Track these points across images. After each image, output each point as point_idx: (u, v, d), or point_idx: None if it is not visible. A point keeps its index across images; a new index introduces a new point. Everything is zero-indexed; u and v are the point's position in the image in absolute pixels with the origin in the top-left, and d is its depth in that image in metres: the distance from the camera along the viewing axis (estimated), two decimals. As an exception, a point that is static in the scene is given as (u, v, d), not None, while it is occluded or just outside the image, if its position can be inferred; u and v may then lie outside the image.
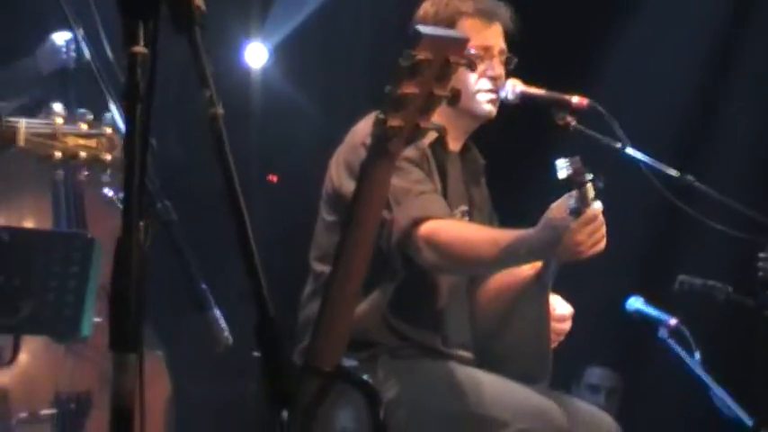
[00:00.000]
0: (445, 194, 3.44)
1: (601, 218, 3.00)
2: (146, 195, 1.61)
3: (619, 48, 5.95)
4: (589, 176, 2.93)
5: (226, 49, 5.97)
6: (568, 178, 2.92)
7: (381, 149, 2.38)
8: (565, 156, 2.93)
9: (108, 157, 2.67)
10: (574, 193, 2.95)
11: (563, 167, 2.93)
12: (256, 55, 6.17)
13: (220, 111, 1.44)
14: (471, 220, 3.53)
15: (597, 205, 2.97)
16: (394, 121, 2.34)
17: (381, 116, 2.36)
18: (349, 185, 3.26)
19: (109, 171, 2.68)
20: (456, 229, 3.26)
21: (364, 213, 2.42)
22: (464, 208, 3.53)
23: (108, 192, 2.98)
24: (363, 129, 3.33)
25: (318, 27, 6.20)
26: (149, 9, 1.48)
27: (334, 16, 6.25)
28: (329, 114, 6.09)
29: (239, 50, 6.15)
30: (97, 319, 2.83)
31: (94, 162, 2.66)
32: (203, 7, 1.46)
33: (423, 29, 2.37)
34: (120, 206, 1.55)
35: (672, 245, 5.71)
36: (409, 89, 2.33)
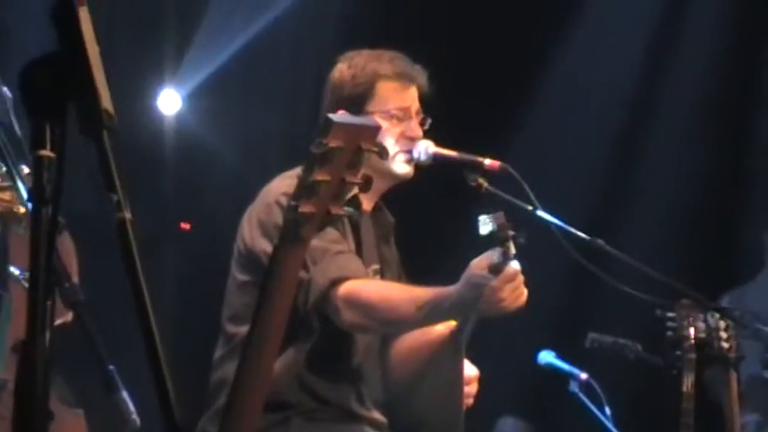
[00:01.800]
0: (359, 253, 3.45)
1: (520, 275, 3.02)
2: (52, 275, 1.58)
3: (535, 106, 6.03)
4: (512, 233, 2.95)
5: (139, 95, 6.01)
6: (491, 234, 2.94)
7: (292, 235, 2.40)
8: (487, 211, 2.96)
9: (22, 210, 2.63)
10: (496, 249, 2.97)
11: (486, 223, 2.95)
12: (170, 102, 6.25)
13: (128, 215, 1.41)
14: (383, 278, 3.54)
15: (515, 264, 2.99)
16: (306, 208, 2.37)
17: (293, 203, 2.39)
18: (262, 245, 3.27)
19: (23, 223, 2.64)
20: (375, 289, 3.29)
21: (277, 297, 2.44)
22: (376, 266, 3.54)
23: (15, 271, 2.93)
24: (277, 187, 3.34)
25: (233, 73, 6.36)
26: (57, 112, 1.46)
27: (250, 62, 6.37)
28: (244, 160, 6.15)
29: (153, 97, 6.21)
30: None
31: (9, 215, 2.63)
32: (112, 111, 1.44)
33: (334, 117, 2.41)
34: (26, 285, 1.54)
35: (584, 304, 5.84)
36: (321, 176, 2.37)
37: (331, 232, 3.26)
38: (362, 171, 2.42)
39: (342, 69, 3.53)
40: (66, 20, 1.52)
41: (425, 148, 3.50)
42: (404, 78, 3.52)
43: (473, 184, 3.48)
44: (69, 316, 2.60)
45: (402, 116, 3.49)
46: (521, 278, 3.02)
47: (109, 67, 1.58)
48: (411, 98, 3.53)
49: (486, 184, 3.47)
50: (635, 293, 3.72)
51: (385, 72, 3.49)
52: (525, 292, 3.04)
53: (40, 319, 1.49)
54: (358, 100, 3.47)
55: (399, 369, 3.49)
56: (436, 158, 3.50)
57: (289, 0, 6.27)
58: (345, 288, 3.20)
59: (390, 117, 3.47)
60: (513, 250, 2.96)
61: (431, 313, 3.13)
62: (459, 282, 3.05)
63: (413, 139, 3.49)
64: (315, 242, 2.94)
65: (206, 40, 6.23)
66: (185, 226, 6.21)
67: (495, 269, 2.97)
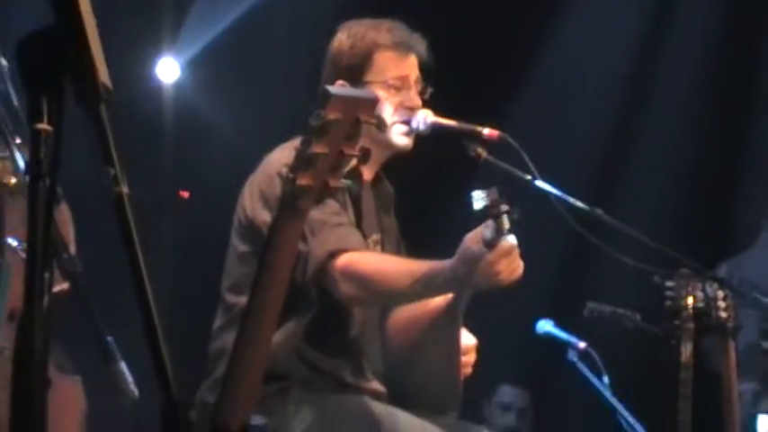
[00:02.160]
0: (359, 224, 3.45)
1: (516, 249, 3.02)
2: (50, 246, 1.57)
3: (534, 78, 6.00)
4: (505, 208, 2.94)
5: (138, 64, 5.98)
6: (484, 210, 2.94)
7: (291, 207, 2.39)
8: (481, 187, 2.95)
9: (13, 180, 2.62)
10: (489, 223, 2.96)
11: (479, 199, 2.94)
12: (168, 70, 6.20)
13: (126, 190, 1.41)
14: (383, 248, 3.55)
15: (511, 238, 2.99)
16: (303, 180, 2.36)
17: (291, 174, 2.37)
18: (263, 215, 3.28)
19: (16, 194, 2.63)
20: (373, 262, 3.28)
21: (276, 268, 2.42)
22: (377, 236, 3.54)
23: (12, 242, 2.94)
24: (278, 158, 3.33)
25: (232, 42, 6.22)
26: (54, 85, 1.46)
27: (247, 31, 6.30)
28: (243, 130, 6.12)
29: (151, 66, 6.17)
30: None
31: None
32: (109, 84, 1.43)
33: (332, 89, 2.38)
34: (24, 255, 1.54)
35: (582, 273, 5.81)
36: (319, 149, 2.32)
37: (330, 204, 3.26)
38: (360, 143, 2.41)
39: (340, 39, 3.52)
40: (63, -8, 1.51)
41: (424, 118, 3.48)
42: (402, 47, 3.50)
43: (472, 153, 3.48)
44: (66, 285, 2.59)
45: (400, 86, 3.48)
46: (516, 252, 3.01)
47: (106, 36, 1.57)
48: (410, 67, 3.51)
49: (485, 154, 3.47)
50: (633, 263, 3.71)
51: (383, 41, 3.48)
52: (521, 265, 3.04)
53: (38, 290, 1.47)
54: (356, 70, 3.45)
55: (398, 339, 3.50)
56: (434, 128, 3.48)
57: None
58: (343, 260, 3.20)
59: (388, 87, 3.46)
60: (506, 225, 2.95)
61: (426, 287, 3.13)
62: (455, 256, 3.05)
63: (412, 109, 3.47)
64: (314, 213, 2.94)
65: (204, 7, 6.19)
66: (184, 194, 6.18)
67: (490, 244, 2.97)
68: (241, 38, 6.23)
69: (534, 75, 6.04)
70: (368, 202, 3.54)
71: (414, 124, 3.48)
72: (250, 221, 3.35)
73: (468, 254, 3.00)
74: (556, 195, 3.57)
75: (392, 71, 3.47)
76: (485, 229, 2.97)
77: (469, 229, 3.03)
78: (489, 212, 2.94)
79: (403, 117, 3.47)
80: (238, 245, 3.40)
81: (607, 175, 5.97)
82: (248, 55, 6.34)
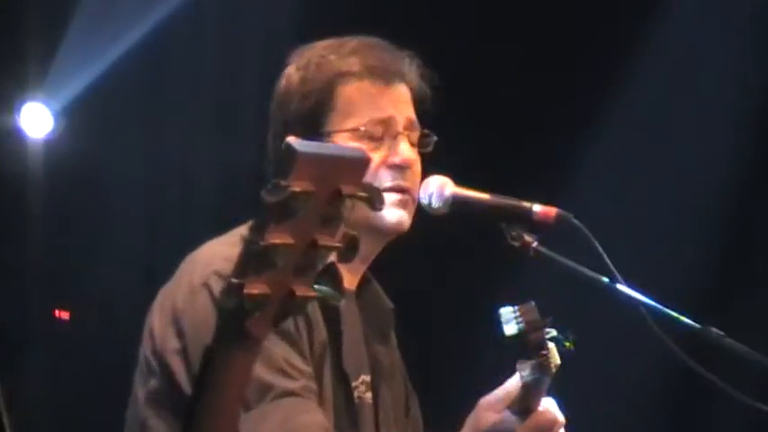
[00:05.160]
0: (339, 361, 3.38)
1: (560, 417, 3.09)
2: None
3: (608, 134, 6.07)
4: (550, 333, 2.97)
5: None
6: (519, 336, 2.96)
7: (236, 332, 2.28)
8: (511, 302, 2.97)
9: None
10: (527, 362, 2.98)
11: (511, 319, 2.96)
12: (36, 120, 6.48)
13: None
14: (377, 394, 3.49)
15: (549, 403, 3.05)
16: (255, 287, 2.24)
17: (235, 280, 2.24)
18: (177, 348, 3.29)
19: None
20: None
21: (211, 426, 2.35)
22: (366, 378, 3.48)
23: None
24: (207, 260, 3.32)
25: (126, 78, 6.49)
26: None
27: (151, 62, 6.57)
28: (150, 202, 6.30)
29: (13, 116, 6.46)
30: None
31: None
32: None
33: (299, 145, 2.24)
34: None
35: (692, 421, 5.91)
36: (279, 238, 2.23)
37: (279, 345, 3.21)
38: (342, 228, 2.29)
39: (289, 75, 3.49)
40: None
41: (440, 189, 3.46)
42: (379, 74, 3.46)
43: (515, 242, 3.44)
44: None
45: (381, 133, 3.43)
46: (561, 422, 3.09)
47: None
48: (393, 103, 3.47)
49: (535, 243, 3.44)
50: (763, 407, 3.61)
51: (349, 68, 3.45)
52: None
53: None
54: (310, 116, 3.44)
55: None
56: (456, 203, 3.47)
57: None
58: None
59: (361, 136, 3.40)
60: (555, 360, 2.98)
61: None
62: (464, 429, 3.12)
63: (401, 169, 3.43)
64: (254, 368, 2.85)
65: (82, 39, 6.45)
66: (63, 315, 6.18)
67: (523, 402, 2.99)
68: (141, 70, 6.46)
69: (611, 118, 6.10)
70: (351, 323, 3.47)
71: (424, 198, 3.44)
72: (160, 357, 3.31)
73: (485, 428, 3.06)
74: (647, 305, 3.49)
75: (365, 111, 3.42)
76: (521, 370, 2.99)
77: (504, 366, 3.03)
78: (527, 340, 2.97)
79: (391, 180, 3.42)
80: (141, 392, 3.36)
81: (727, 274, 5.94)
82: (155, 93, 6.54)
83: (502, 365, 3.03)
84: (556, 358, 2.97)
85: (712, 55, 6.49)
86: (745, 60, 6.59)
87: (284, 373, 3.21)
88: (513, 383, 3.05)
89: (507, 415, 3.03)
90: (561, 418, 3.11)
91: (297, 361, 3.26)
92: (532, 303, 2.97)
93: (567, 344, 2.97)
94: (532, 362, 2.96)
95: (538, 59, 6.09)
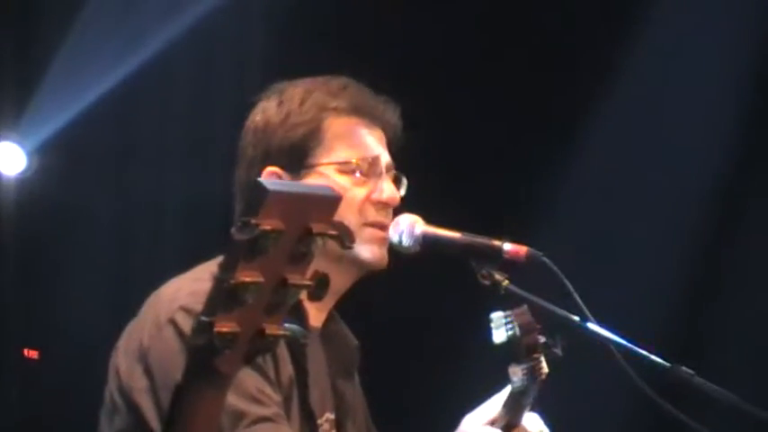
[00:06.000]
0: (305, 398, 3.40)
1: (545, 429, 3.15)
2: None
3: (578, 171, 6.12)
4: (542, 339, 3.00)
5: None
6: (511, 341, 2.97)
7: (205, 370, 2.30)
8: (504, 307, 3.01)
9: None
10: (519, 366, 2.99)
11: (502, 324, 2.99)
12: (8, 159, 6.50)
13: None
14: None
15: (533, 421, 3.06)
16: (225, 326, 2.26)
17: (205, 318, 2.26)
18: (143, 388, 3.29)
19: None
20: None
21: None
22: (330, 416, 3.52)
23: None
24: (173, 296, 3.33)
25: (103, 119, 6.47)
26: None
27: (128, 101, 6.53)
28: (122, 242, 6.35)
29: None
30: None
31: None
32: None
33: (269, 184, 2.27)
34: None
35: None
36: (249, 276, 2.26)
37: (251, 377, 3.23)
38: (313, 266, 2.33)
39: (267, 109, 3.51)
40: None
41: (410, 227, 3.47)
42: (365, 113, 3.51)
43: (485, 281, 3.43)
44: None
45: (368, 169, 3.47)
46: None
47: None
48: (377, 143, 3.53)
49: (506, 282, 3.42)
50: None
51: (337, 105, 3.49)
52: None
53: None
54: (296, 150, 3.45)
55: None
56: (427, 242, 3.48)
57: (187, 20, 6.45)
58: None
59: (350, 170, 3.45)
60: (544, 368, 2.99)
61: None
62: None
63: (387, 206, 3.46)
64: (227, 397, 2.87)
65: (58, 78, 6.46)
66: (32, 354, 6.25)
67: (507, 416, 3.01)
68: (119, 110, 6.46)
69: (585, 147, 6.12)
70: (316, 360, 3.50)
71: (394, 236, 3.45)
72: (126, 396, 3.32)
73: None
74: (618, 344, 3.49)
75: (354, 147, 3.47)
76: (512, 374, 2.99)
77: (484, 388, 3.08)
78: (519, 345, 2.98)
79: (376, 216, 3.45)
80: (105, 430, 3.37)
81: (698, 308, 6.00)
82: (120, 132, 6.58)
83: (483, 394, 3.05)
84: (543, 366, 3.00)
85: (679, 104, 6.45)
86: (723, 113, 6.52)
87: (257, 401, 3.23)
88: (496, 401, 3.06)
89: (490, 430, 3.05)
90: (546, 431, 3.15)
91: (268, 389, 3.27)
92: (525, 307, 3.00)
93: (558, 350, 3.00)
94: (525, 366, 2.97)
95: (499, 107, 6.04)
